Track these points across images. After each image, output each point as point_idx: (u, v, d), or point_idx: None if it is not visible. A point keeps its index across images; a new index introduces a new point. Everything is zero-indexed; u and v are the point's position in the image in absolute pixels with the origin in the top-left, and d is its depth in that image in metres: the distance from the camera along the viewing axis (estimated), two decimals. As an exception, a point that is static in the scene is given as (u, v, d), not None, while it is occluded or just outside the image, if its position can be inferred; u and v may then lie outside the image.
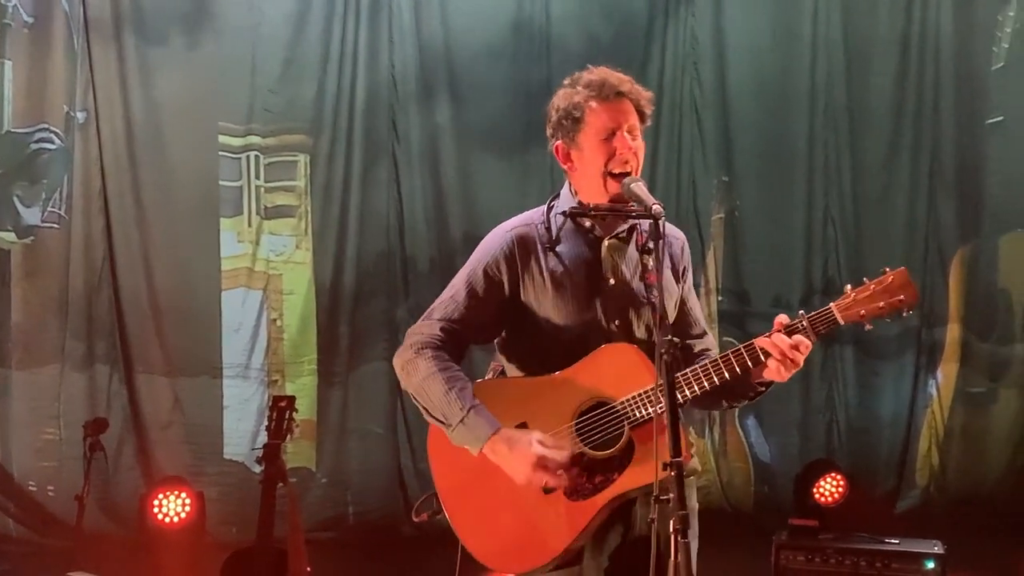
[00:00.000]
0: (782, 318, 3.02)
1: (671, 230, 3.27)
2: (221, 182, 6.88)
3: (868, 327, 3.02)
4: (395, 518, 6.96)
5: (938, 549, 5.13)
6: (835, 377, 7.32)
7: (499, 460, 2.97)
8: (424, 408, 3.10)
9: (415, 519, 3.18)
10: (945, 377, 7.41)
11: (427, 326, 3.18)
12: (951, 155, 7.37)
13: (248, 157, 6.90)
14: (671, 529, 2.53)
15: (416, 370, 3.11)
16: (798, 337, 2.95)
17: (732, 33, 7.32)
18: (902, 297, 2.98)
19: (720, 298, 7.32)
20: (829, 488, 6.70)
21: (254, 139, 6.91)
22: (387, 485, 7.02)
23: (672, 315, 3.20)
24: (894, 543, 5.24)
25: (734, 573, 3.48)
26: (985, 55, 7.41)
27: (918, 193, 7.38)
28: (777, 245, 7.38)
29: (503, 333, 3.25)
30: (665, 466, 2.57)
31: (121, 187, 6.73)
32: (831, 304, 3.01)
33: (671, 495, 2.56)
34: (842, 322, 2.99)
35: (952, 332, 7.40)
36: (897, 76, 7.37)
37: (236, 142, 6.89)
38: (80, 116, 6.70)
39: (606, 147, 3.07)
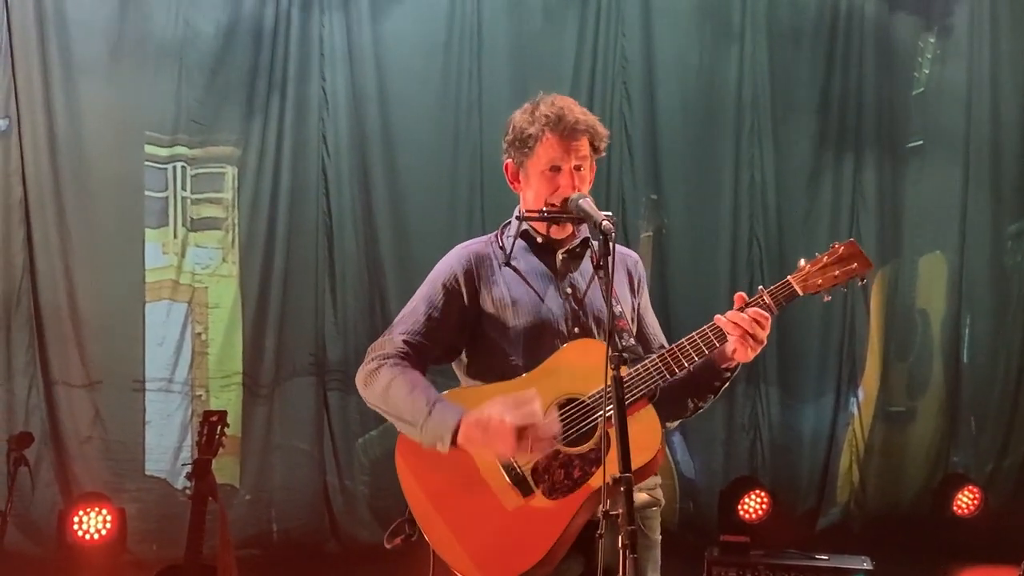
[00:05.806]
0: (742, 295, 3.06)
1: (623, 250, 3.30)
2: (146, 192, 6.75)
3: (827, 298, 3.08)
4: (320, 535, 6.90)
5: (867, 565, 5.22)
6: (758, 395, 7.42)
7: (476, 447, 2.91)
8: (391, 415, 3.06)
9: (388, 546, 3.08)
10: (865, 395, 7.56)
11: (388, 341, 3.15)
12: (872, 177, 7.55)
13: (175, 168, 6.79)
14: (620, 544, 2.47)
15: (378, 379, 3.07)
16: (756, 310, 2.98)
17: (661, 53, 7.41)
18: (855, 265, 3.05)
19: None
20: (753, 505, 6.81)
21: (181, 149, 6.79)
22: (312, 502, 6.95)
23: (631, 328, 3.21)
24: (824, 559, 5.32)
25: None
26: (906, 80, 7.60)
27: (840, 214, 7.53)
28: (703, 263, 7.47)
29: (463, 354, 3.22)
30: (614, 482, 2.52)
31: (43, 197, 6.51)
32: (788, 277, 3.06)
33: (619, 510, 2.49)
34: (801, 293, 3.04)
35: (872, 351, 7.56)
36: (821, 98, 7.52)
37: (162, 152, 6.76)
38: (1, 124, 6.52)
39: (550, 180, 3.09)
